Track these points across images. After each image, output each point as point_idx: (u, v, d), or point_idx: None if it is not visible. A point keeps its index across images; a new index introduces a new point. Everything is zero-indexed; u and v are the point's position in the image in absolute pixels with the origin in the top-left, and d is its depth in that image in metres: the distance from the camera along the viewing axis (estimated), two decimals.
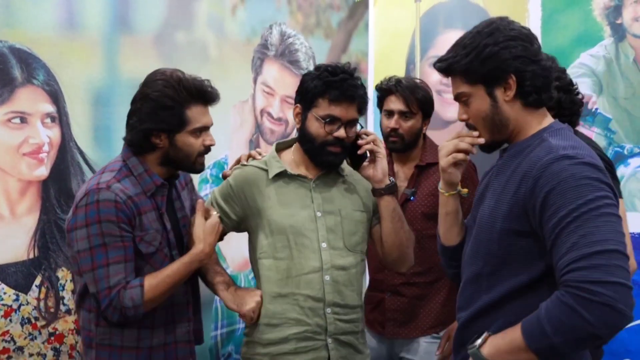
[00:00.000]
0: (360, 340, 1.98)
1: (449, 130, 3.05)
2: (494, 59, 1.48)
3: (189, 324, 1.89)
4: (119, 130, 2.29)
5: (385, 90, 2.38)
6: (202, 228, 1.82)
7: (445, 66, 1.56)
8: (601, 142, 2.63)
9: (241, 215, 1.94)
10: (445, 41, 3.02)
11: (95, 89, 2.26)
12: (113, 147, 2.29)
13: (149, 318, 1.79)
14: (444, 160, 1.63)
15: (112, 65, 2.30)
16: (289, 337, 1.87)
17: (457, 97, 1.57)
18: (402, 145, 2.37)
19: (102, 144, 2.27)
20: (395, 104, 2.35)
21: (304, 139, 1.91)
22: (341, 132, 1.87)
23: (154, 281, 1.74)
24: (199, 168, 1.88)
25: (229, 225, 1.96)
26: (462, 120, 1.60)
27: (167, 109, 1.76)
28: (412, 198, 2.36)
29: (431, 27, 3.08)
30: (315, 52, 2.97)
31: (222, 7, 2.62)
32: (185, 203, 1.96)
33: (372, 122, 3.22)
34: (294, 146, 2.00)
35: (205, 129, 1.83)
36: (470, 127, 1.61)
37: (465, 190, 1.72)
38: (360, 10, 3.21)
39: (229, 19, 2.63)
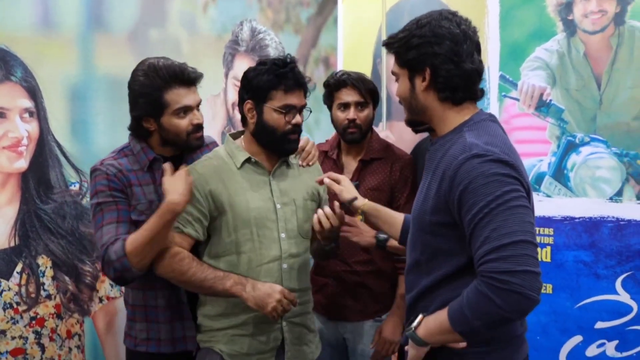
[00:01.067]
0: (310, 319, 2.12)
1: None
2: (416, 50, 1.58)
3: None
4: (95, 124, 2.42)
5: (336, 83, 2.44)
6: (168, 181, 1.88)
7: (385, 43, 1.68)
8: (555, 131, 2.78)
9: (208, 218, 1.96)
10: None
11: (72, 85, 2.36)
12: (89, 140, 2.41)
13: (149, 279, 1.95)
14: None
15: (88, 62, 2.40)
16: (247, 321, 1.96)
17: (393, 74, 1.70)
18: (360, 135, 2.44)
19: (79, 137, 2.37)
20: (349, 95, 2.41)
21: (263, 132, 1.97)
22: (298, 119, 1.97)
23: (134, 235, 1.88)
24: (195, 144, 2.02)
25: (200, 232, 1.95)
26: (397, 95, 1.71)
27: (144, 96, 1.94)
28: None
29: (397, 22, 3.21)
30: (285, 47, 3.09)
31: (194, 5, 2.73)
32: None
33: None
34: (242, 139, 2.05)
35: (188, 108, 1.96)
36: (400, 102, 1.72)
37: (359, 217, 1.96)
38: (329, 6, 3.33)
39: (201, 16, 2.74)
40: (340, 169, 2.48)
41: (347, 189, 2.01)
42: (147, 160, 1.99)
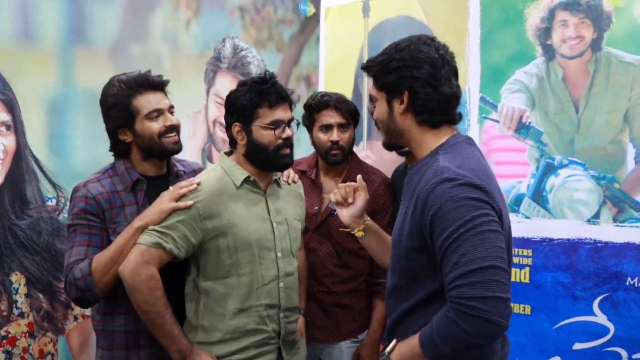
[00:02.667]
0: (298, 337, 2.11)
1: None
2: (394, 73, 1.59)
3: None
4: (74, 139, 2.38)
5: (318, 105, 2.41)
6: (157, 201, 1.90)
7: (364, 66, 1.69)
8: (534, 153, 2.81)
9: (202, 240, 1.91)
10: None
11: (51, 99, 2.33)
12: (68, 155, 2.37)
13: (129, 302, 1.88)
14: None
15: (68, 75, 2.37)
16: (248, 346, 1.93)
17: (370, 98, 1.76)
18: (342, 157, 2.42)
19: (58, 152, 2.34)
20: (332, 117, 2.39)
21: (256, 151, 1.95)
22: (288, 132, 1.97)
23: (100, 253, 1.87)
24: (171, 147, 1.99)
25: (186, 251, 1.90)
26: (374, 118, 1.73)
27: (115, 107, 1.96)
28: (335, 212, 2.39)
29: (378, 42, 3.23)
30: (267, 65, 3.08)
31: (177, 21, 2.72)
32: None
33: None
34: (235, 158, 2.02)
35: (159, 111, 1.97)
36: (378, 126, 1.73)
37: (360, 234, 1.89)
38: (311, 25, 3.34)
39: (183, 32, 2.73)
40: (319, 190, 2.47)
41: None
42: (131, 181, 1.97)
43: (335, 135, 2.39)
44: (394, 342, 1.57)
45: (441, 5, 3.05)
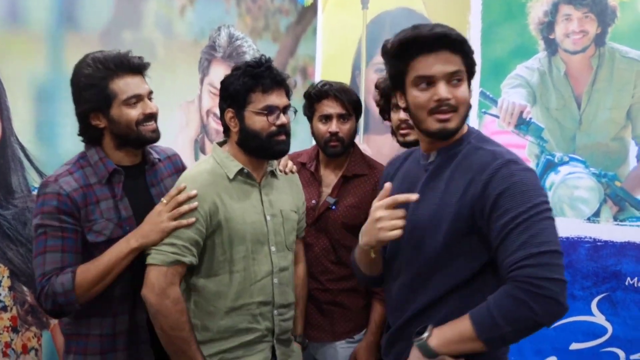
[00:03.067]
0: (292, 335, 2.04)
1: None
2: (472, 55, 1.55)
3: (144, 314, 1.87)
4: (63, 126, 2.30)
5: (318, 94, 2.33)
6: (153, 214, 1.78)
7: (459, 39, 1.52)
8: (534, 150, 2.76)
9: (205, 238, 1.83)
10: None
11: (39, 84, 2.24)
12: (56, 143, 2.29)
13: (107, 305, 1.79)
14: (389, 235, 1.54)
15: (57, 61, 2.28)
16: (240, 345, 1.86)
17: (453, 75, 1.51)
18: (342, 149, 2.34)
19: (45, 140, 2.25)
20: (331, 107, 2.31)
21: (248, 138, 1.88)
22: (283, 119, 1.88)
23: (86, 267, 1.74)
24: (149, 136, 1.86)
25: (196, 257, 1.81)
26: (447, 99, 1.50)
27: (88, 88, 1.80)
28: (333, 207, 2.33)
29: (377, 34, 3.17)
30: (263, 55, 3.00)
31: (171, 7, 2.63)
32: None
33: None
34: (228, 149, 1.94)
35: (138, 97, 1.83)
36: (451, 108, 1.52)
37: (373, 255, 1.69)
38: (308, 15, 3.27)
39: (178, 19, 2.65)
40: (318, 183, 2.40)
41: None
42: (107, 172, 1.83)
43: (334, 126, 2.31)
44: (429, 327, 1.49)
45: None
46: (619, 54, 2.60)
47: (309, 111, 2.38)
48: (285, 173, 2.10)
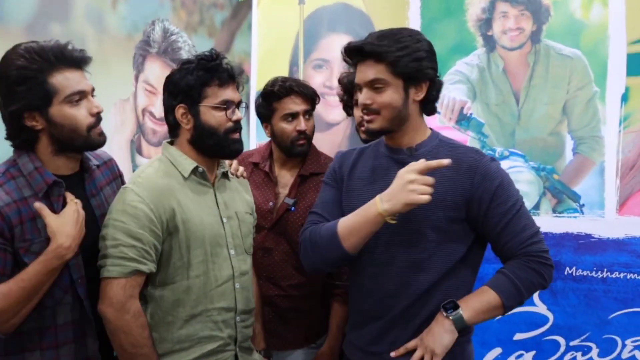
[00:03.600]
0: (252, 343, 1.96)
1: (332, 133, 3.10)
2: (420, 63, 1.67)
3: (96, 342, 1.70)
4: None
5: (282, 91, 2.22)
6: (55, 221, 1.57)
7: (376, 50, 1.65)
8: (476, 145, 2.80)
9: (161, 243, 1.71)
10: (329, 44, 3.08)
11: None
12: None
13: (51, 337, 1.60)
14: (419, 198, 1.60)
15: None
16: (202, 355, 1.75)
17: (371, 82, 1.67)
18: (308, 147, 2.26)
19: None
20: (298, 104, 2.22)
21: (203, 135, 1.76)
22: (238, 115, 1.79)
23: (6, 287, 1.52)
24: (97, 141, 1.67)
25: (155, 264, 1.69)
26: (365, 104, 1.68)
27: (23, 82, 1.57)
28: (292, 208, 2.25)
29: (315, 30, 3.11)
30: (199, 50, 2.85)
31: (102, 0, 2.46)
32: (110, 199, 1.76)
33: (254, 127, 3.18)
34: (179, 149, 1.82)
35: (82, 94, 1.63)
36: (372, 111, 1.68)
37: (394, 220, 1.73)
38: (243, 10, 3.17)
39: (109, 12, 2.48)
40: (273, 184, 2.30)
41: None
42: (44, 185, 1.61)
43: (303, 124, 2.23)
44: (453, 303, 1.66)
45: None
46: (553, 51, 2.68)
47: (267, 110, 2.27)
48: (237, 177, 2.00)
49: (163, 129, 2.74)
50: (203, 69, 1.75)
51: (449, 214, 1.68)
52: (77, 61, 1.65)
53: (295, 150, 2.25)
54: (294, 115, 2.24)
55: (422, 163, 1.60)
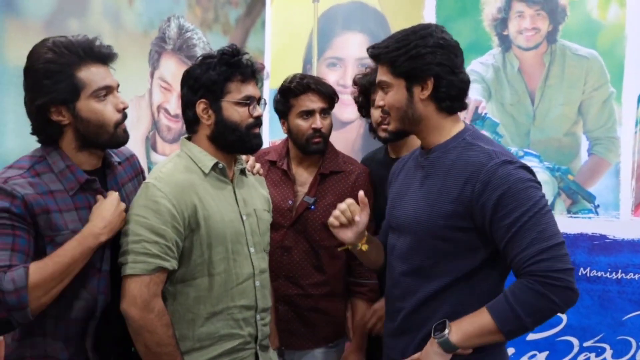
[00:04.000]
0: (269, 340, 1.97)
1: (345, 131, 3.09)
2: (419, 59, 1.61)
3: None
4: (4, 123, 2.09)
5: (298, 88, 2.22)
6: (95, 206, 1.62)
7: (375, 53, 1.66)
8: None
9: (183, 240, 1.70)
10: (343, 42, 3.07)
11: None
12: None
13: (63, 329, 1.60)
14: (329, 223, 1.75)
15: None
16: (223, 353, 1.74)
17: (379, 84, 1.70)
18: (324, 145, 2.25)
19: None
20: (314, 102, 2.22)
21: (225, 131, 1.76)
22: (259, 111, 1.79)
23: (41, 263, 1.53)
24: (122, 138, 1.68)
25: (176, 258, 1.68)
26: (379, 106, 1.75)
27: (51, 76, 1.58)
28: (312, 207, 2.25)
29: (329, 28, 3.11)
30: (213, 47, 2.88)
31: None
32: (132, 196, 1.76)
33: (267, 125, 3.18)
34: (191, 144, 1.81)
35: (109, 89, 1.64)
36: (385, 112, 1.80)
37: (365, 247, 1.78)
38: (257, 8, 3.16)
39: (126, 8, 2.48)
40: (291, 182, 2.29)
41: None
42: (77, 183, 1.63)
43: (318, 121, 2.22)
44: (447, 323, 1.55)
45: None
46: (569, 51, 2.67)
47: (284, 106, 2.27)
48: (253, 174, 2.00)
49: (177, 126, 2.74)
50: (226, 64, 1.75)
51: (452, 223, 1.57)
52: (105, 57, 1.66)
53: (311, 148, 2.24)
54: (310, 113, 2.23)
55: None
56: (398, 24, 2.93)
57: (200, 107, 1.76)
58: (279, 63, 3.22)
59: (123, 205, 1.66)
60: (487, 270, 1.59)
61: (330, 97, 2.26)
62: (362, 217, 1.75)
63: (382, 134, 2.22)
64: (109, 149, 1.74)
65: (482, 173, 1.53)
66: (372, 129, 2.31)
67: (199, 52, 2.79)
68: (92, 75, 1.62)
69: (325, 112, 2.26)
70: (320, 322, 2.27)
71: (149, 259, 1.63)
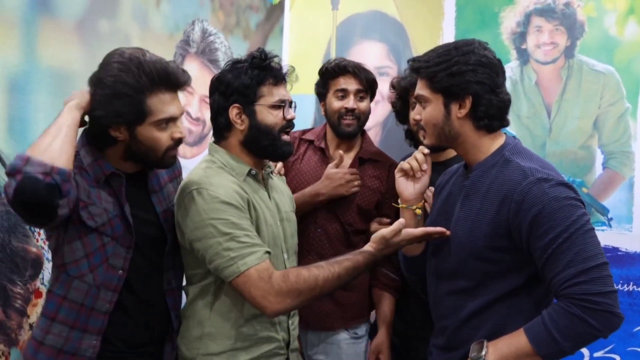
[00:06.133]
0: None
1: None
2: (459, 77, 1.58)
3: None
4: (36, 122, 2.09)
5: (335, 70, 2.28)
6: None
7: (416, 66, 1.66)
8: None
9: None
10: (361, 51, 3.10)
11: (10, 75, 2.01)
12: (28, 140, 2.06)
13: (84, 318, 1.61)
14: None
15: (30, 49, 2.07)
16: (259, 357, 1.75)
17: (417, 98, 1.68)
18: (357, 128, 2.28)
19: (17, 136, 2.03)
20: (350, 83, 2.26)
21: (259, 136, 1.76)
22: (292, 114, 1.79)
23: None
24: (168, 162, 1.70)
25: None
26: (415, 120, 1.78)
27: (123, 98, 1.57)
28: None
29: (347, 36, 3.14)
30: (234, 52, 2.89)
31: None
32: (171, 196, 1.77)
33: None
34: (221, 150, 1.80)
35: (172, 120, 1.64)
36: (420, 126, 1.79)
37: (419, 211, 1.77)
38: (276, 14, 3.19)
39: (154, 11, 2.49)
40: (329, 161, 2.31)
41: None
42: (102, 175, 1.63)
43: (351, 102, 2.25)
44: (485, 343, 1.51)
45: (415, 3, 3.01)
46: (586, 67, 2.73)
47: (324, 88, 2.32)
48: (277, 175, 2.03)
49: (198, 129, 2.75)
50: (257, 68, 1.75)
51: (492, 244, 1.54)
52: (179, 84, 1.65)
53: (342, 128, 2.27)
54: (344, 92, 2.27)
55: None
56: (417, 34, 2.97)
57: (233, 112, 1.76)
58: (296, 69, 3.23)
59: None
60: (530, 288, 1.57)
61: (368, 81, 2.30)
62: (424, 178, 1.75)
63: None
64: (152, 168, 1.76)
65: (517, 193, 1.50)
66: (410, 136, 2.32)
67: (221, 56, 2.81)
68: (160, 104, 1.60)
69: (362, 94, 2.29)
70: (348, 300, 2.28)
71: (255, 248, 1.62)
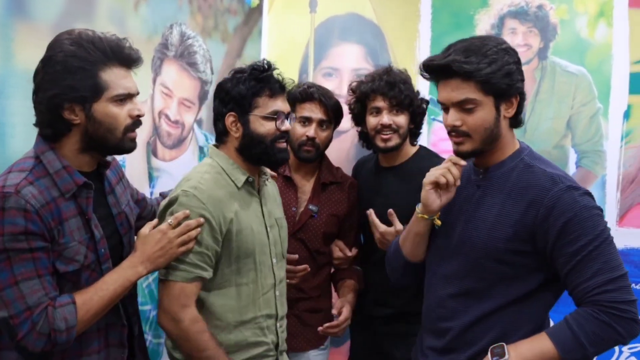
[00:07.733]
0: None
1: (340, 140, 3.14)
2: (512, 77, 1.58)
3: (124, 351, 1.67)
4: (12, 126, 2.08)
5: (302, 95, 2.28)
6: (159, 232, 1.62)
7: (459, 68, 1.54)
8: None
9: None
10: (339, 53, 3.13)
11: None
12: (4, 145, 2.06)
13: (75, 346, 1.56)
14: (427, 178, 1.65)
15: (5, 53, 2.05)
16: (250, 358, 1.79)
17: (460, 103, 1.57)
18: (314, 155, 2.30)
19: None
20: (313, 112, 2.27)
21: (252, 144, 1.82)
22: (287, 125, 1.83)
23: (87, 295, 1.51)
24: (128, 146, 1.63)
25: (212, 268, 1.73)
26: (454, 126, 1.59)
27: (76, 72, 1.49)
28: (315, 215, 2.30)
29: (326, 39, 3.16)
30: (212, 55, 2.90)
31: (125, 1, 2.47)
32: (121, 198, 1.74)
33: None
34: (222, 155, 1.86)
35: (129, 96, 1.59)
36: (460, 133, 1.61)
37: (439, 222, 1.73)
38: (254, 17, 3.20)
39: (132, 14, 2.49)
40: (294, 189, 2.34)
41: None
42: (74, 185, 1.54)
43: (312, 130, 2.27)
44: (505, 348, 1.52)
45: (392, 6, 3.04)
46: (559, 68, 2.78)
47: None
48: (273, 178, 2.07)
49: (177, 131, 2.75)
50: (255, 79, 1.81)
51: (512, 247, 1.56)
52: (132, 61, 1.61)
53: (300, 154, 2.29)
54: (307, 120, 2.27)
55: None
56: (394, 36, 3.00)
57: (229, 119, 1.82)
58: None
59: (167, 239, 1.62)
60: (541, 293, 1.59)
61: (333, 110, 2.31)
62: (452, 190, 1.68)
63: (381, 144, 2.26)
64: (113, 154, 1.70)
65: (547, 198, 1.52)
66: (365, 138, 2.35)
67: (199, 59, 2.81)
68: (116, 78, 1.56)
69: (325, 124, 2.30)
70: (316, 321, 2.31)
71: (190, 267, 1.66)
